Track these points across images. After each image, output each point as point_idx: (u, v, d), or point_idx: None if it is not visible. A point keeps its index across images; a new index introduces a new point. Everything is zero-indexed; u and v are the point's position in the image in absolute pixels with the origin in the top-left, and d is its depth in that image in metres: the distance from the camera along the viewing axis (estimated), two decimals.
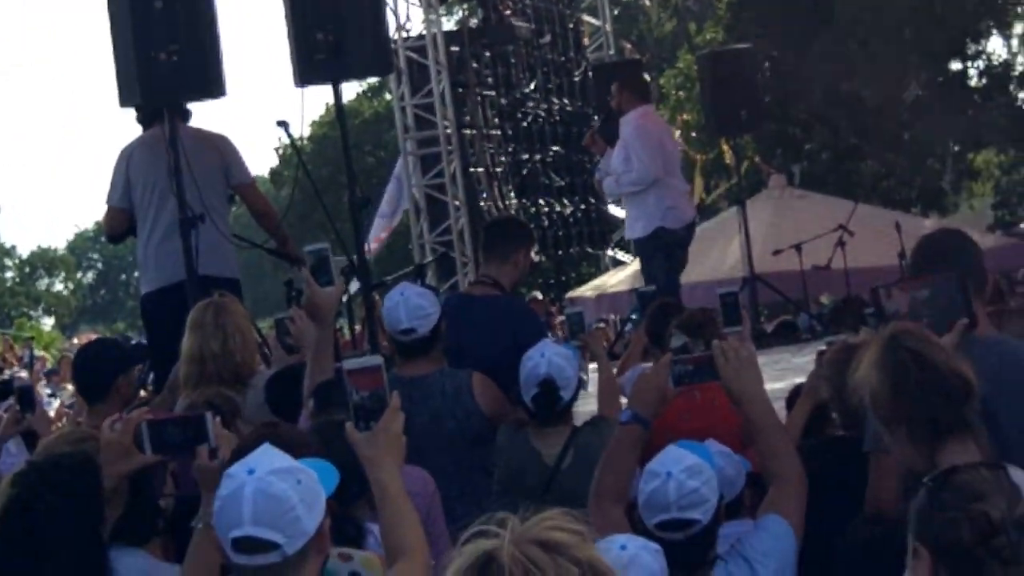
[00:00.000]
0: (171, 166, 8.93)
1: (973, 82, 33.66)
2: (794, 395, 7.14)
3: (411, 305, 6.65)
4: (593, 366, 8.70)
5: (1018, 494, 3.37)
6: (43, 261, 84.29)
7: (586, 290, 22.89)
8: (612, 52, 25.32)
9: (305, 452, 4.28)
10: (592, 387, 7.65)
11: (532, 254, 8.41)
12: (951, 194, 34.57)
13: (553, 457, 6.42)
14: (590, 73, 23.22)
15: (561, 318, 21.26)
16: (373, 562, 4.40)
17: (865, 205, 20.27)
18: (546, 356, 6.43)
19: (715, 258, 19.98)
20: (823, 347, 6.70)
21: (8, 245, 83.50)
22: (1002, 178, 33.32)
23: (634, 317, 10.66)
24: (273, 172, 52.37)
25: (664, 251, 12.84)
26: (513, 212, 19.70)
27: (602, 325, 18.98)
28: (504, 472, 6.60)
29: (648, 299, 8.78)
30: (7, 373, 17.08)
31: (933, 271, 5.11)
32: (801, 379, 7.01)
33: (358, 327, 12.31)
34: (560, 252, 22.23)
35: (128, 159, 9.53)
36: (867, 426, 5.09)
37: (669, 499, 4.66)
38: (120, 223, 9.71)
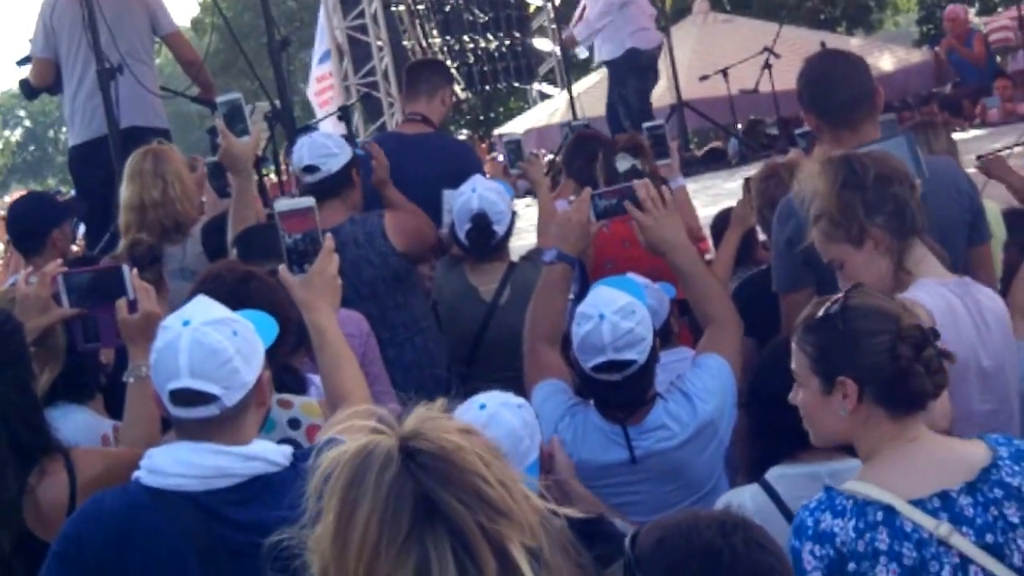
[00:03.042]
0: (86, 18, 8.71)
1: None
2: (719, 221, 7.13)
3: (316, 144, 6.54)
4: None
5: (910, 309, 3.43)
6: None
7: (515, 125, 22.72)
8: None
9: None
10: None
11: (459, 92, 8.31)
12: (876, 11, 34.44)
13: (490, 293, 6.45)
14: None
15: (491, 155, 21.19)
16: (313, 408, 4.37)
17: (790, 26, 20.16)
18: (477, 191, 6.41)
19: None
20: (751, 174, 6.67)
21: None
22: None
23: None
24: (195, 21, 51.56)
25: (637, 72, 12.78)
26: (437, 50, 19.45)
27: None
28: (444, 309, 6.60)
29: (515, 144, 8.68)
30: None
31: (820, 100, 5.16)
32: (732, 204, 6.98)
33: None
34: (487, 88, 22.03)
35: (52, 7, 9.34)
36: (776, 266, 5.09)
37: (604, 341, 4.65)
38: (44, 74, 9.51)
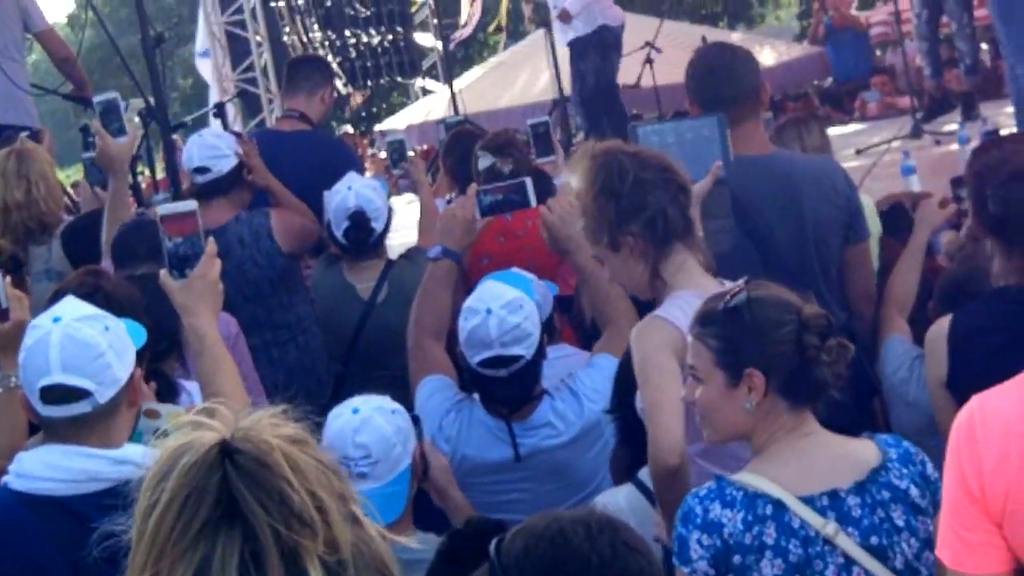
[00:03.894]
0: None
1: None
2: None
3: (206, 144, 6.47)
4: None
5: (810, 300, 3.42)
6: None
7: (396, 121, 22.61)
8: None
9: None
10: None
11: (340, 87, 8.23)
12: (757, 6, 34.74)
13: (368, 291, 6.37)
14: None
15: (372, 151, 21.06)
16: (178, 417, 4.26)
17: (672, 21, 20.21)
18: (353, 189, 6.34)
19: (525, 81, 19.85)
20: None
21: None
22: None
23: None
24: (71, 17, 50.92)
25: (601, 50, 12.70)
26: (318, 45, 19.30)
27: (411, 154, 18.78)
28: (321, 308, 6.54)
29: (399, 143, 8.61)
30: None
31: (705, 94, 5.14)
32: None
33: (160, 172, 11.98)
34: (369, 83, 21.90)
35: None
36: None
37: (491, 336, 4.62)
38: None
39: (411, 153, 9.08)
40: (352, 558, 1.67)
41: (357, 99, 24.62)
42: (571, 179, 4.27)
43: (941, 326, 4.18)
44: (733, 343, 3.43)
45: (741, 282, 3.50)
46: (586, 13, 12.68)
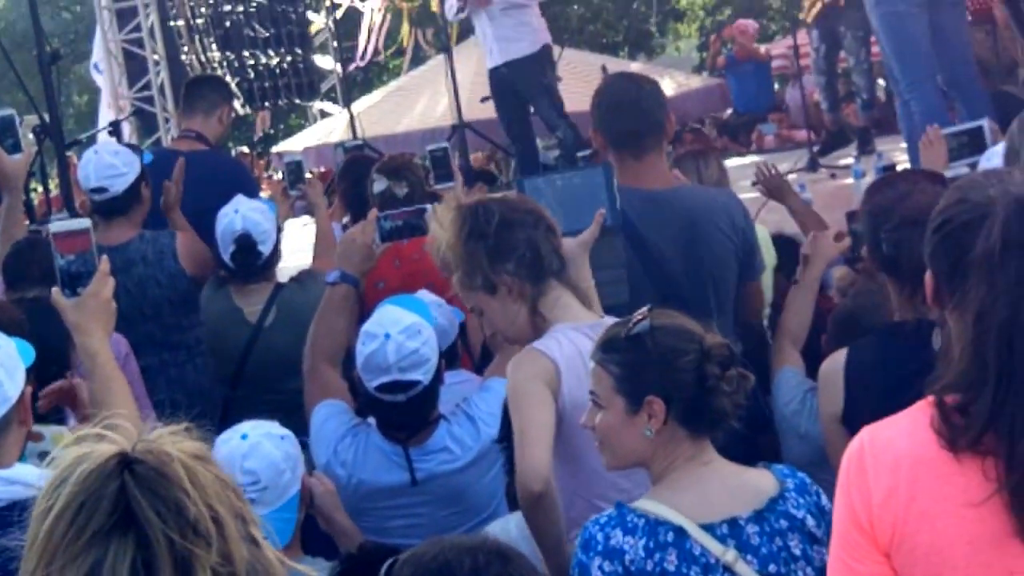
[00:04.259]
0: None
1: None
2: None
3: (103, 164, 6.39)
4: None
5: (713, 330, 3.43)
6: None
7: (293, 143, 22.49)
8: None
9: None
10: None
11: (239, 107, 8.18)
12: (657, 36, 34.95)
13: (255, 315, 6.32)
14: None
15: (267, 174, 20.93)
16: (63, 439, 4.21)
17: (572, 49, 20.27)
18: (240, 212, 6.26)
19: (424, 105, 19.83)
20: None
21: None
22: (706, 19, 33.77)
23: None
24: None
25: (551, 66, 12.50)
26: (216, 65, 19.16)
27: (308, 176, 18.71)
28: (209, 331, 6.47)
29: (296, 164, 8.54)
30: None
31: (611, 127, 5.16)
32: None
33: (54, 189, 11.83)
34: (267, 104, 21.77)
35: None
36: None
37: (388, 361, 4.60)
38: None
39: (309, 175, 9.06)
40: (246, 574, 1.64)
41: (265, 121, 24.50)
42: (437, 230, 4.28)
43: (836, 360, 4.19)
44: (634, 370, 3.45)
45: (645, 310, 3.51)
46: (530, 32, 12.36)
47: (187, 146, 7.83)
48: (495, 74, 12.31)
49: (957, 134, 5.75)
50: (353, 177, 7.50)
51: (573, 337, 4.11)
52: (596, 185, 4.73)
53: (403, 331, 4.62)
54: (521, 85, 12.18)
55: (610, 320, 4.18)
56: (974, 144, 5.63)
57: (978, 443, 2.55)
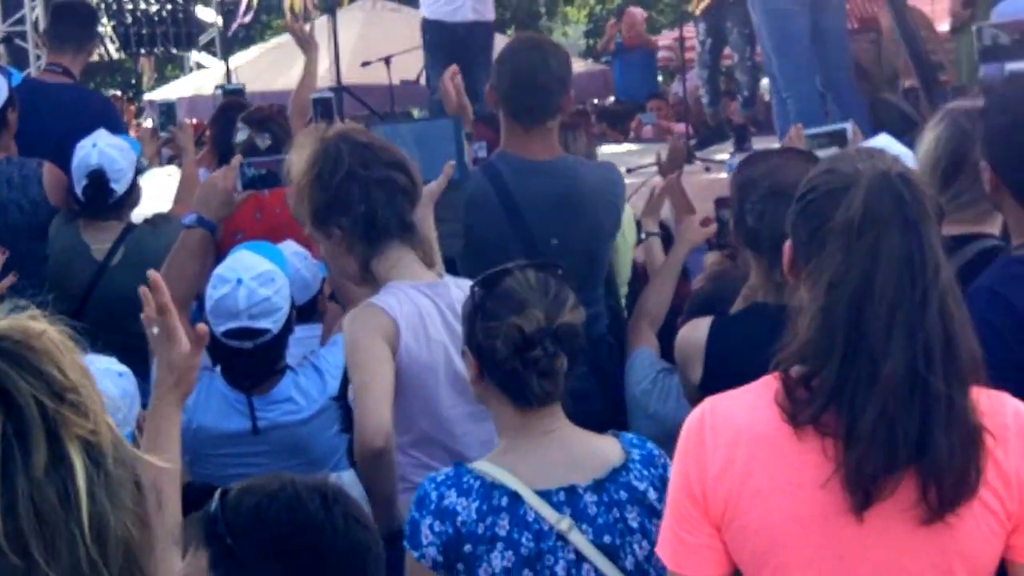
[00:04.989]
0: None
1: None
2: None
3: None
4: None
5: (560, 301, 3.34)
6: None
7: (167, 92, 22.17)
8: None
9: None
10: None
11: (113, 52, 8.05)
12: (545, 19, 34.94)
13: (103, 252, 6.22)
14: None
15: (137, 121, 20.60)
16: None
17: None
18: (98, 147, 6.17)
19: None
20: None
21: None
22: (596, 6, 33.86)
23: None
24: None
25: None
26: (94, 7, 18.81)
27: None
28: (53, 263, 6.36)
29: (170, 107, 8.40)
30: None
31: (508, 93, 5.12)
32: None
33: None
34: (143, 51, 21.43)
35: None
36: None
37: (239, 307, 4.55)
38: None
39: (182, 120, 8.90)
40: (112, 449, 1.63)
41: (150, 68, 24.15)
42: (292, 155, 4.19)
43: (698, 330, 4.15)
44: (468, 322, 3.43)
45: (512, 264, 3.44)
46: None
47: (53, 79, 7.72)
48: (452, 29, 12.01)
49: (819, 135, 5.75)
50: (224, 122, 7.39)
51: (413, 295, 4.06)
52: (446, 137, 4.72)
53: (256, 278, 4.55)
54: (476, 48, 11.99)
55: (450, 280, 4.16)
56: (835, 147, 5.63)
57: (819, 419, 2.54)
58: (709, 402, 2.73)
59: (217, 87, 11.19)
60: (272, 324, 4.53)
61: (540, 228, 5.03)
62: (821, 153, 5.38)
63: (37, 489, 1.55)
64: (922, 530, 2.55)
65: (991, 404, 2.60)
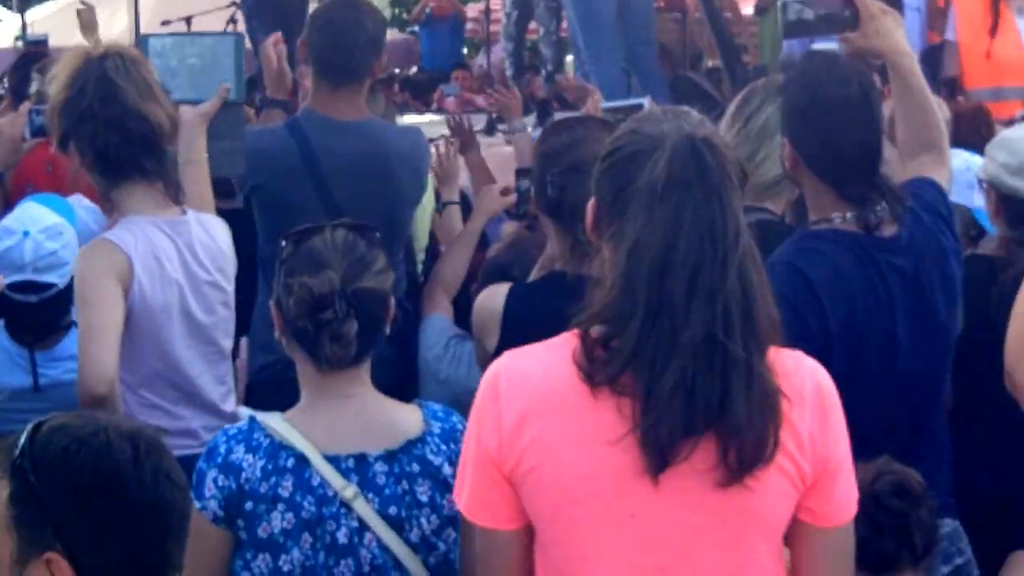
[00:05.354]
0: None
1: None
2: None
3: None
4: None
5: (363, 265, 3.31)
6: None
7: None
8: None
9: None
10: None
11: None
12: None
13: None
14: None
15: None
16: None
17: None
18: None
19: (103, 23, 19.16)
20: None
21: None
22: None
23: None
24: None
25: None
26: None
27: None
28: None
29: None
30: None
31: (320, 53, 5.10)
32: None
33: None
34: None
35: None
36: None
37: (24, 260, 4.48)
38: None
39: None
40: None
41: None
42: (56, 69, 4.13)
43: (496, 297, 4.13)
44: (276, 271, 3.36)
45: (328, 223, 3.41)
46: None
47: None
48: None
49: (616, 110, 5.79)
50: (24, 72, 7.27)
51: (150, 232, 4.02)
52: (225, 54, 4.64)
53: (43, 231, 4.47)
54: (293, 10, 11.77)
55: (192, 217, 4.13)
56: None
57: (616, 380, 2.54)
58: (505, 358, 2.72)
59: (17, 38, 10.91)
60: (58, 278, 4.45)
61: (341, 189, 4.98)
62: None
63: None
64: (718, 493, 2.57)
65: (787, 365, 2.62)
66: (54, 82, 4.05)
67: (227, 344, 4.24)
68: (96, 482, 2.38)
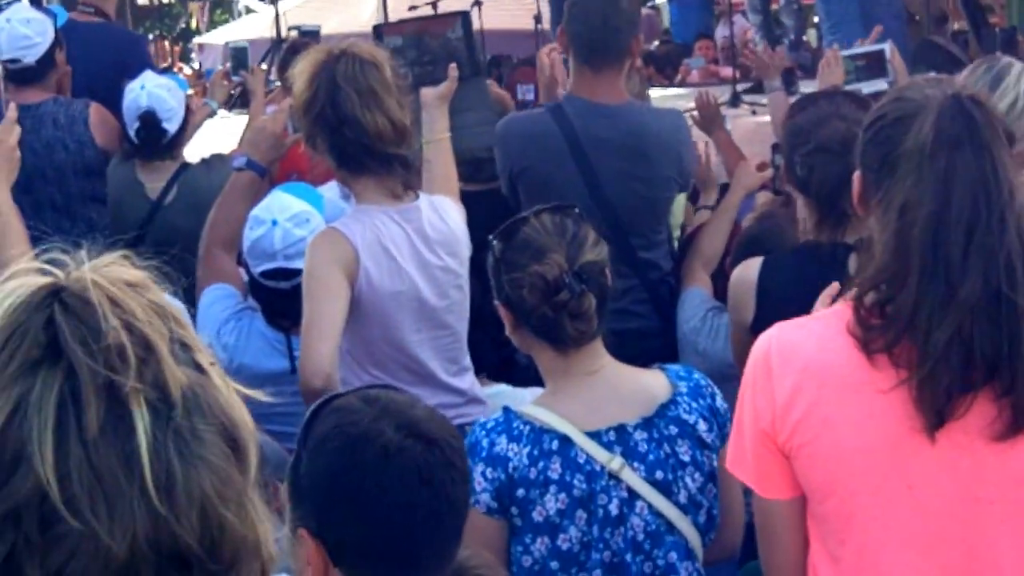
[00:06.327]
0: None
1: None
2: None
3: (15, 35, 6.43)
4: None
5: (580, 242, 3.33)
6: None
7: (214, 37, 22.14)
8: None
9: None
10: None
11: None
12: None
13: (157, 191, 6.29)
14: None
15: (180, 65, 20.60)
16: None
17: None
18: (146, 88, 6.28)
19: (356, 9, 19.61)
20: None
21: None
22: None
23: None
24: None
25: None
26: None
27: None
28: (110, 202, 6.47)
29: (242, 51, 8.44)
30: None
31: (579, 40, 5.11)
32: None
33: None
34: None
35: None
36: None
37: (274, 247, 4.55)
38: None
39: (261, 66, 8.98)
40: (182, 400, 1.55)
41: (196, 12, 24.17)
42: (295, 69, 4.25)
43: (750, 268, 4.10)
44: (493, 276, 3.43)
45: (527, 212, 3.45)
46: None
47: (83, 18, 7.73)
48: None
49: (856, 56, 5.67)
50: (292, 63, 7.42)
51: (379, 221, 4.09)
52: (456, 37, 4.76)
53: (291, 219, 4.55)
54: None
55: (424, 202, 4.20)
56: (873, 68, 5.56)
57: (894, 348, 2.51)
58: (776, 330, 2.71)
59: (291, 28, 11.19)
60: None
61: (604, 171, 5.05)
62: (867, 89, 5.32)
63: (94, 452, 1.50)
64: (995, 454, 2.52)
65: None
66: (296, 80, 4.16)
67: (461, 326, 4.29)
68: (342, 471, 2.43)
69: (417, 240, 4.13)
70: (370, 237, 4.02)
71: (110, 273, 1.64)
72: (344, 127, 4.09)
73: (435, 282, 4.19)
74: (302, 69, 4.17)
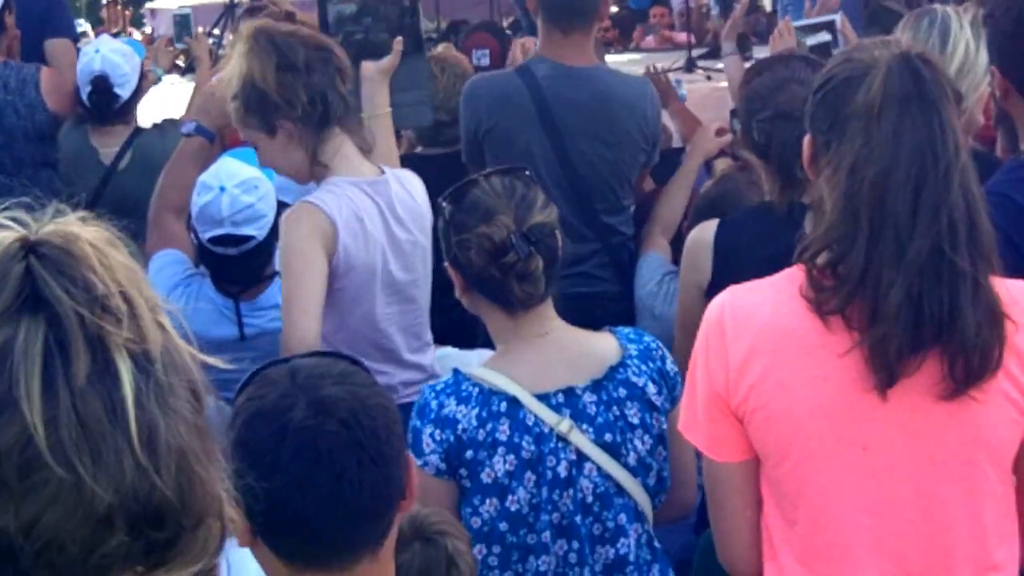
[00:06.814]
0: None
1: None
2: None
3: None
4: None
5: (528, 204, 3.33)
6: None
7: (164, 3, 21.94)
8: None
9: None
10: None
11: None
12: None
13: (110, 156, 6.29)
14: None
15: (131, 29, 20.41)
16: None
17: None
18: (100, 52, 6.28)
19: None
20: None
21: None
22: None
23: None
24: None
25: None
26: None
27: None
28: (64, 169, 6.44)
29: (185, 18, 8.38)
30: None
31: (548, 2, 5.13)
32: None
33: None
34: None
35: None
36: None
37: (222, 214, 4.49)
38: None
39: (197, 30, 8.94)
40: (160, 356, 1.57)
41: None
42: (222, 72, 4.20)
43: (706, 230, 4.07)
44: (443, 238, 3.43)
45: (477, 174, 3.45)
46: None
47: None
48: None
49: (808, 28, 5.70)
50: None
51: (353, 194, 4.05)
52: (401, 9, 4.73)
53: (239, 185, 4.50)
54: None
55: (391, 176, 4.18)
56: (825, 32, 5.60)
57: (846, 308, 2.52)
58: (728, 295, 2.71)
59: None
60: (256, 231, 4.48)
61: (571, 133, 5.06)
62: (811, 41, 5.34)
63: (81, 399, 1.50)
64: (945, 413, 2.54)
65: (1011, 294, 2.57)
66: (226, 78, 4.17)
67: (425, 301, 4.28)
68: (242, 444, 2.41)
69: (388, 214, 4.10)
70: (347, 212, 3.98)
71: (85, 229, 1.65)
72: (339, 75, 4.08)
73: (404, 256, 4.17)
74: (237, 56, 4.13)
